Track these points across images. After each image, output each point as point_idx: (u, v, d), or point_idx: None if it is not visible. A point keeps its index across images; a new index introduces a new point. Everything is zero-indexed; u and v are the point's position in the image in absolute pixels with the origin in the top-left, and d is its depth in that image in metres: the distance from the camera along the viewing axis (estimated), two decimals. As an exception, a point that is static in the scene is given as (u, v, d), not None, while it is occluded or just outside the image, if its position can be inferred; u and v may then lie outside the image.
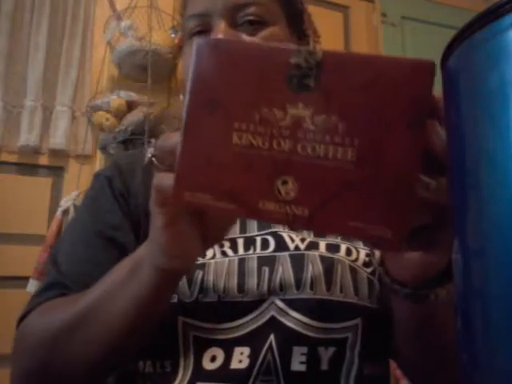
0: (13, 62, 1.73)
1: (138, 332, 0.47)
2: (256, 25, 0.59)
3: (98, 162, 1.78)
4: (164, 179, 0.36)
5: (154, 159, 0.38)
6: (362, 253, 0.60)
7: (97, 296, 0.47)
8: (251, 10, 0.59)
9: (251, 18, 0.59)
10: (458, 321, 0.25)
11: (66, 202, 1.64)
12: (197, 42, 0.34)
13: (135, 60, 1.72)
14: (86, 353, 0.47)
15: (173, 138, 0.36)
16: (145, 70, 1.68)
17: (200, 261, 0.56)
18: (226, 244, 0.58)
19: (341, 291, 0.55)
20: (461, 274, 0.25)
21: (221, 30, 0.57)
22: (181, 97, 0.39)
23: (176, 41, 1.76)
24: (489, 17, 0.22)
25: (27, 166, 1.71)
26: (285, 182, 0.32)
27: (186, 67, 0.62)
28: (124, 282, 0.45)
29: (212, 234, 0.41)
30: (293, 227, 0.42)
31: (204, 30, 0.60)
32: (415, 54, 2.32)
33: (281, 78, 0.32)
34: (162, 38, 1.72)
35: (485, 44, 0.22)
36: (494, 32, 0.22)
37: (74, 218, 0.67)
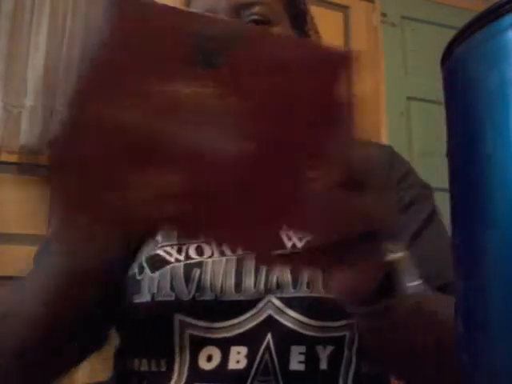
0: (13, 61, 1.73)
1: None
2: (260, 24, 0.59)
3: (98, 162, 1.78)
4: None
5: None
6: None
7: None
8: (256, 9, 0.59)
9: (256, 17, 0.59)
10: (458, 321, 0.25)
11: (66, 202, 1.64)
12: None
13: (135, 60, 1.71)
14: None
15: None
16: (145, 69, 1.68)
17: (198, 259, 0.56)
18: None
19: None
20: (461, 273, 0.25)
21: None
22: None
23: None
24: (489, 17, 0.22)
25: (27, 166, 1.71)
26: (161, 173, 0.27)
27: None
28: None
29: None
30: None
31: None
32: (415, 54, 2.33)
33: (188, 50, 0.28)
34: (162, 38, 1.72)
35: (485, 44, 0.22)
36: (494, 32, 0.22)
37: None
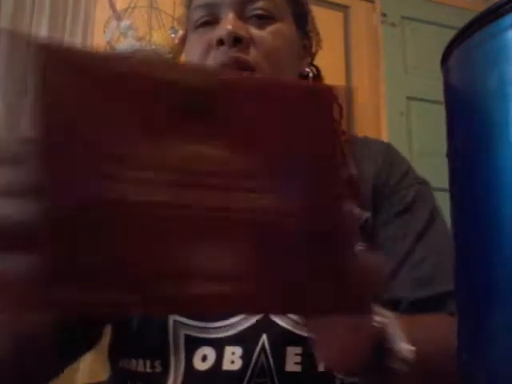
0: (13, 62, 1.73)
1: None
2: (264, 19, 0.59)
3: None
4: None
5: None
6: None
7: None
8: (260, 4, 0.59)
9: (260, 12, 0.59)
10: (458, 320, 0.25)
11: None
12: (37, 45, 0.23)
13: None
14: None
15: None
16: (145, 70, 1.68)
17: None
18: None
19: None
20: (461, 272, 0.25)
21: (229, 22, 0.56)
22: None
23: (176, 41, 1.76)
24: (489, 17, 0.22)
25: (27, 166, 1.72)
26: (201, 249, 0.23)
27: (191, 61, 0.61)
28: None
29: None
30: (227, 310, 0.31)
31: (211, 20, 0.59)
32: (415, 54, 2.33)
33: (165, 104, 0.24)
34: (162, 38, 1.72)
35: (484, 44, 0.22)
36: (494, 32, 0.22)
37: None
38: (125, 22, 1.72)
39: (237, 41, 0.56)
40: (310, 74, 0.66)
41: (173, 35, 1.78)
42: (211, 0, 0.59)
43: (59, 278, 0.22)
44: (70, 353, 0.55)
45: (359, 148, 0.65)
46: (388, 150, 0.66)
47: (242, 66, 0.56)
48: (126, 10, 1.79)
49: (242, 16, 0.58)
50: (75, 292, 0.22)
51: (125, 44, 1.70)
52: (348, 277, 0.25)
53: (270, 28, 0.59)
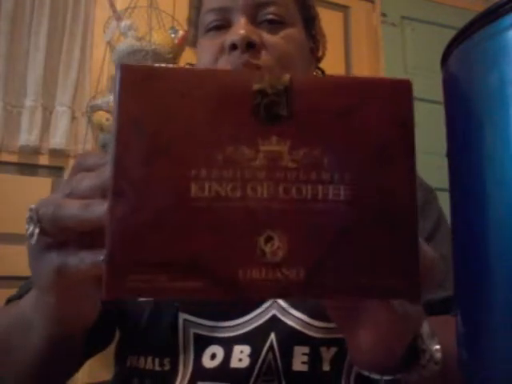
0: (13, 61, 1.73)
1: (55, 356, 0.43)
2: (275, 24, 0.59)
3: (98, 162, 1.78)
4: (79, 257, 0.29)
5: (38, 233, 0.30)
6: None
7: (10, 323, 0.44)
8: (272, 9, 0.59)
9: (271, 17, 0.59)
10: (458, 320, 0.25)
11: (66, 202, 1.64)
12: (122, 67, 0.26)
13: (135, 60, 1.71)
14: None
15: (94, 207, 0.28)
16: (145, 70, 1.68)
17: None
18: None
19: None
20: (461, 273, 0.25)
21: (242, 26, 0.57)
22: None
23: (176, 41, 1.76)
24: (489, 17, 0.22)
25: (27, 166, 1.71)
26: (269, 239, 0.25)
27: (202, 65, 0.61)
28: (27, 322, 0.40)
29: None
30: (288, 296, 0.33)
31: (223, 24, 0.59)
32: (415, 54, 2.32)
33: (245, 108, 0.26)
34: (162, 37, 1.72)
35: (485, 44, 0.22)
36: (494, 32, 0.22)
37: None
38: (125, 22, 1.72)
39: (249, 46, 0.56)
40: None
41: (173, 35, 1.78)
42: (223, 4, 0.59)
43: (135, 269, 0.24)
44: (85, 353, 0.54)
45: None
46: None
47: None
48: (126, 10, 1.79)
49: (253, 21, 0.58)
50: (150, 281, 0.24)
51: (125, 44, 1.70)
52: (408, 262, 0.26)
53: (282, 33, 0.59)
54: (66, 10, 1.82)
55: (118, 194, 0.25)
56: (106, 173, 0.27)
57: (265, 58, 0.57)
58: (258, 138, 0.26)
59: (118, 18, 1.74)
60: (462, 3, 2.36)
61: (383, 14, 2.35)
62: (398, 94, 0.27)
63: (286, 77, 0.26)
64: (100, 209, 0.28)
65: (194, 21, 0.66)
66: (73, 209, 0.29)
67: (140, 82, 0.25)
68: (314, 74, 0.68)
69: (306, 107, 0.26)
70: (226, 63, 0.57)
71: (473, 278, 0.23)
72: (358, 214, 0.26)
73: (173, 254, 0.25)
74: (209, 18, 0.60)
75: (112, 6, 1.76)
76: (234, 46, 0.56)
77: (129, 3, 1.81)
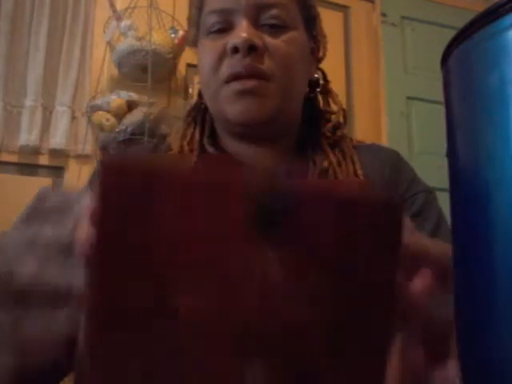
0: (13, 61, 1.73)
1: None
2: (277, 27, 0.59)
3: (98, 162, 1.78)
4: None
5: None
6: None
7: None
8: (274, 11, 0.59)
9: (274, 21, 0.59)
10: (458, 320, 0.25)
11: (66, 202, 1.64)
12: (103, 164, 0.23)
13: (135, 60, 1.71)
14: None
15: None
16: (145, 70, 1.68)
17: None
18: None
19: None
20: (461, 273, 0.25)
21: (244, 29, 0.57)
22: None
23: (176, 41, 1.76)
24: (489, 17, 0.22)
25: (27, 166, 1.71)
26: (252, 364, 0.24)
27: (203, 67, 0.61)
28: None
29: None
30: None
31: (225, 27, 0.60)
32: (415, 54, 2.33)
33: (236, 217, 0.24)
34: (162, 37, 1.72)
35: (485, 44, 0.22)
36: (494, 32, 0.22)
37: None
38: (125, 22, 1.72)
39: (252, 49, 0.56)
40: (321, 81, 0.67)
41: (173, 35, 1.78)
42: (226, 6, 0.59)
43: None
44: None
45: (368, 154, 0.67)
46: (396, 159, 0.68)
47: (257, 74, 0.57)
48: (126, 9, 1.79)
49: (255, 23, 0.59)
50: None
51: (125, 44, 1.70)
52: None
53: (284, 37, 0.59)
54: (65, 9, 1.82)
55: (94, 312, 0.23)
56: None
57: (267, 62, 0.57)
58: (249, 256, 0.24)
59: (118, 18, 1.74)
60: (462, 3, 2.36)
61: (383, 14, 2.35)
62: (390, 220, 0.26)
63: (288, 192, 0.24)
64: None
65: (195, 21, 0.66)
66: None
67: (123, 181, 0.23)
68: (316, 76, 0.68)
69: (302, 222, 0.24)
70: (227, 66, 0.58)
71: (473, 278, 0.23)
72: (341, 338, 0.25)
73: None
74: (211, 20, 0.60)
75: (112, 6, 1.76)
76: (236, 49, 0.57)
77: (129, 3, 1.81)
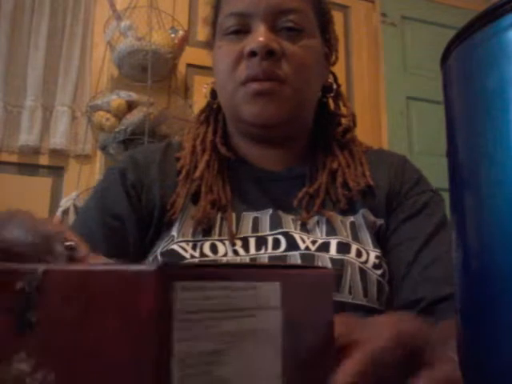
0: (13, 61, 1.73)
1: None
2: (294, 32, 0.60)
3: (98, 162, 1.78)
4: None
5: None
6: (372, 255, 0.59)
7: None
8: (292, 16, 0.60)
9: (291, 25, 0.60)
10: (458, 320, 0.25)
11: (66, 201, 1.64)
12: None
13: (135, 60, 1.72)
14: None
15: None
16: (145, 70, 1.68)
17: (212, 257, 0.56)
18: (238, 243, 0.58)
19: (349, 292, 0.55)
20: (461, 273, 0.25)
21: (262, 34, 0.58)
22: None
23: (176, 41, 1.76)
24: (489, 17, 0.22)
25: (27, 166, 1.72)
26: None
27: (220, 69, 0.62)
28: None
29: None
30: None
31: (242, 30, 0.61)
32: (415, 54, 2.33)
33: (7, 312, 0.22)
34: (162, 37, 1.72)
35: (485, 44, 0.22)
36: (494, 32, 0.22)
37: (82, 208, 0.69)
38: (125, 22, 1.72)
39: (269, 53, 0.57)
40: (334, 86, 0.68)
41: (173, 35, 1.78)
42: (245, 9, 0.60)
43: None
44: None
45: (375, 157, 0.68)
46: (402, 162, 0.69)
47: (274, 78, 0.58)
48: (126, 9, 1.79)
49: (273, 28, 0.59)
50: None
51: (125, 44, 1.70)
52: None
53: (301, 43, 0.60)
54: (65, 10, 1.82)
55: None
56: None
57: (284, 67, 0.59)
58: (12, 354, 0.21)
59: (118, 18, 1.74)
60: (462, 3, 2.36)
61: (383, 14, 2.35)
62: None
63: (41, 268, 0.22)
64: None
65: (211, 21, 0.67)
66: None
67: None
68: (330, 81, 0.69)
69: (49, 312, 0.22)
70: (245, 68, 0.59)
71: (473, 278, 0.23)
72: None
73: None
74: (229, 22, 0.61)
75: (112, 5, 1.76)
76: (253, 53, 0.58)
77: (129, 3, 1.81)
